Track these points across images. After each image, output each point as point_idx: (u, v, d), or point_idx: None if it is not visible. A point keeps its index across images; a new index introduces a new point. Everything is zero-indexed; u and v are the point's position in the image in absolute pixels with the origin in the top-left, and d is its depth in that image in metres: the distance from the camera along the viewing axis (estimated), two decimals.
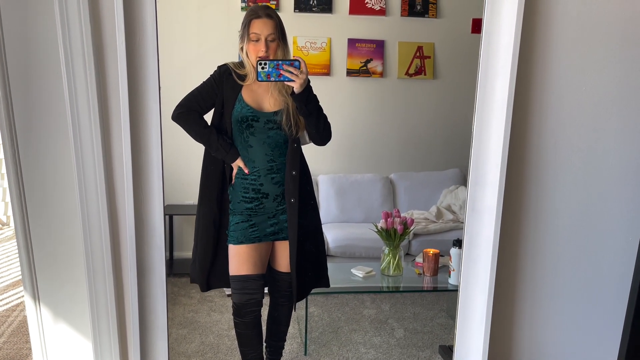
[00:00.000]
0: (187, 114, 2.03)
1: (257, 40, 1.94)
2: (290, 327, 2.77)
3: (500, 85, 0.94)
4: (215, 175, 2.10)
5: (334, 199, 3.92)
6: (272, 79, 1.81)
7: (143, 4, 0.84)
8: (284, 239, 2.12)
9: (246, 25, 1.96)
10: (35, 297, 1.06)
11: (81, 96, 0.94)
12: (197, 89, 2.06)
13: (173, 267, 4.05)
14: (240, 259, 2.06)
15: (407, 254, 3.61)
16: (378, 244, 3.40)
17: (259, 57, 1.89)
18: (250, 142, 2.04)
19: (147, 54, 0.88)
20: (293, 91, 1.88)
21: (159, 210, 0.93)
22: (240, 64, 2.06)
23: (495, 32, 0.93)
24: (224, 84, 2.02)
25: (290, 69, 1.81)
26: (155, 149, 0.93)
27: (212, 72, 2.10)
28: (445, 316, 3.29)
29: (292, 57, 1.93)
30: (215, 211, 2.11)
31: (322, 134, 2.04)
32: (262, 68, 1.79)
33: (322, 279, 2.26)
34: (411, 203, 3.98)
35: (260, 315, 2.17)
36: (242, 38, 1.99)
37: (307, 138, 2.10)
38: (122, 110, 0.96)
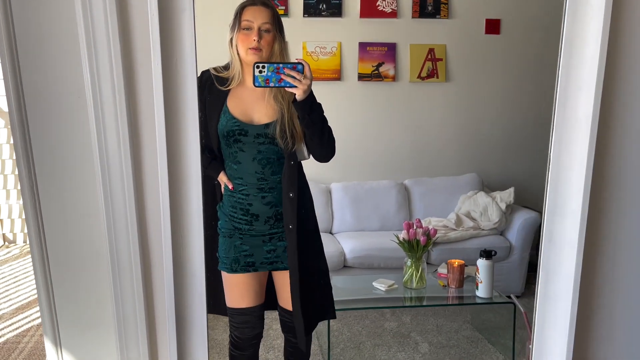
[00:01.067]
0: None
1: (249, 29, 1.69)
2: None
3: (583, 102, 0.82)
4: (206, 189, 1.81)
5: (348, 207, 3.81)
6: (272, 84, 1.57)
7: (181, 20, 0.72)
8: (283, 268, 1.87)
9: (238, 13, 1.73)
10: (57, 343, 0.94)
11: (109, 123, 0.83)
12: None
13: None
14: (238, 291, 1.86)
15: (427, 263, 3.49)
16: (397, 254, 3.29)
17: (256, 61, 1.60)
18: (239, 157, 1.79)
19: (185, 78, 0.75)
20: (295, 98, 1.65)
21: (200, 253, 0.81)
22: (225, 67, 1.81)
23: (578, 43, 0.82)
24: (206, 93, 1.78)
25: (293, 73, 1.57)
26: (195, 184, 0.80)
27: None
28: (471, 328, 3.18)
29: (293, 60, 1.68)
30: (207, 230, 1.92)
31: (325, 148, 1.77)
32: (260, 72, 1.54)
33: (328, 312, 2.01)
34: (427, 210, 3.87)
35: (259, 345, 2.00)
36: (232, 28, 1.74)
37: (305, 152, 1.83)
38: (159, 141, 0.84)
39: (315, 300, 1.91)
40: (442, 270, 3.03)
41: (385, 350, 2.90)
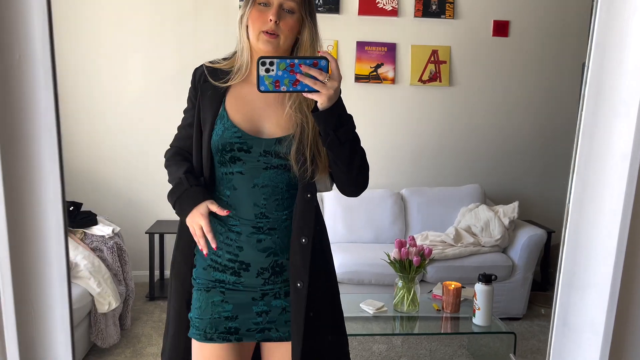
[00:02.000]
0: (168, 160, 1.43)
1: (267, 5, 1.24)
2: None
3: (620, 133, 0.57)
4: (186, 229, 1.36)
5: (340, 218, 3.56)
6: (283, 88, 1.11)
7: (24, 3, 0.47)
8: (278, 339, 1.35)
9: None
10: None
11: None
12: (182, 119, 1.44)
13: (164, 289, 3.72)
14: None
15: (422, 281, 3.25)
16: (390, 271, 3.04)
17: (261, 56, 1.13)
18: (235, 181, 1.30)
19: (34, 82, 0.50)
20: (315, 107, 1.18)
21: (65, 332, 0.54)
22: (226, 59, 1.39)
23: (614, 48, 0.56)
24: (200, 94, 1.35)
25: (313, 71, 1.11)
26: (56, 247, 0.52)
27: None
28: (467, 354, 2.93)
29: (315, 54, 1.24)
30: (187, 288, 1.37)
31: (355, 177, 1.28)
32: (267, 71, 1.10)
33: None
34: (425, 222, 3.62)
35: None
36: (245, 3, 1.29)
37: (328, 183, 1.35)
38: None
39: None
40: (438, 291, 2.79)
41: None
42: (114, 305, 2.79)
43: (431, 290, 2.86)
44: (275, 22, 1.23)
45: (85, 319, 2.74)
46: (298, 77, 1.11)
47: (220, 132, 1.29)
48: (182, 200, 1.31)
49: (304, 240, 1.28)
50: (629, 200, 0.56)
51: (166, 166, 1.42)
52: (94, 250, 2.89)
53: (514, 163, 4.05)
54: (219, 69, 1.35)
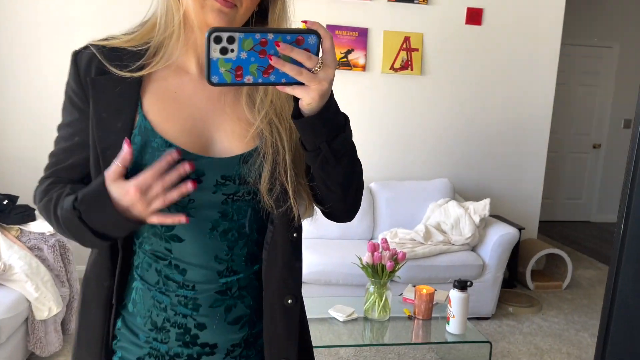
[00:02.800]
0: (43, 200, 0.87)
1: None
2: None
3: None
4: (98, 285, 0.89)
5: None
6: (249, 78, 0.71)
7: None
8: None
9: None
10: None
11: None
12: (59, 135, 0.90)
13: None
14: None
15: (390, 281, 3.10)
16: (358, 271, 2.88)
17: (212, 27, 0.68)
18: (179, 229, 0.86)
19: None
20: (297, 109, 0.77)
21: None
22: (128, 35, 0.88)
23: None
24: (92, 93, 0.84)
25: (297, 53, 0.70)
26: None
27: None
28: (436, 358, 2.81)
29: (296, 27, 0.75)
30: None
31: (351, 202, 0.90)
32: (224, 51, 0.68)
33: None
34: (393, 218, 3.47)
35: None
36: None
37: (311, 208, 0.94)
38: None
39: None
40: (409, 294, 2.64)
41: None
42: (54, 310, 2.50)
43: (401, 293, 2.72)
44: None
45: (22, 326, 2.44)
46: (273, 61, 0.69)
47: (146, 156, 0.82)
48: (95, 224, 0.79)
49: (289, 301, 0.88)
50: None
51: (43, 208, 0.86)
52: (31, 249, 2.59)
53: (483, 157, 3.94)
54: (120, 50, 0.85)
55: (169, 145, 0.81)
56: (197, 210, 0.85)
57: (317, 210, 0.93)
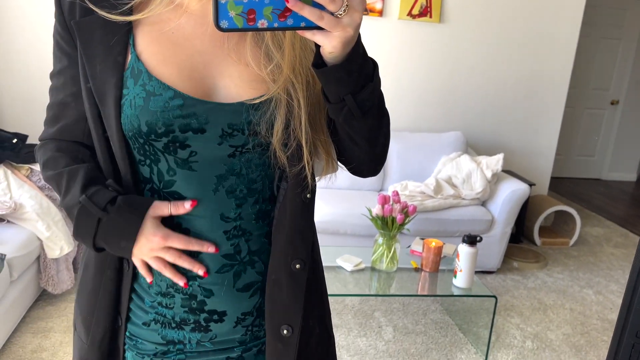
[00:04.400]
0: (47, 166, 0.83)
1: None
2: None
3: None
4: (100, 264, 0.84)
5: None
6: (262, 22, 0.60)
7: None
8: None
9: None
10: None
11: None
12: (52, 86, 0.83)
13: None
14: None
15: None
16: (367, 222, 2.88)
17: None
18: (179, 185, 0.79)
19: None
20: (319, 57, 0.67)
21: None
22: None
23: None
24: (78, 37, 0.76)
25: None
26: None
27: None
28: (440, 309, 2.86)
29: None
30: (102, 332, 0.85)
31: (378, 155, 0.82)
32: None
33: None
34: (404, 170, 3.43)
35: None
36: None
37: (335, 165, 0.86)
38: None
39: None
40: (417, 247, 2.65)
41: (344, 333, 2.55)
42: (66, 250, 2.54)
43: (409, 246, 2.73)
44: None
45: (34, 264, 2.49)
46: (290, 3, 0.60)
47: (141, 102, 0.73)
48: (106, 234, 0.76)
49: (297, 266, 0.81)
50: None
51: (47, 177, 0.83)
52: (41, 189, 2.59)
53: (499, 111, 3.85)
54: None
55: (166, 88, 0.73)
56: (200, 164, 0.77)
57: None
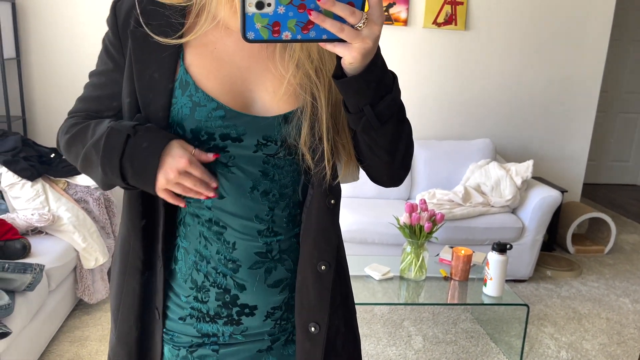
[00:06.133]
0: (70, 132, 0.88)
1: None
2: None
3: None
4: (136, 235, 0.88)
5: None
6: (286, 34, 0.65)
7: None
8: None
9: None
10: None
11: None
12: (90, 82, 0.90)
13: None
14: None
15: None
16: (394, 230, 2.88)
17: None
18: (219, 187, 0.85)
19: None
20: (339, 69, 0.72)
21: None
22: None
23: None
24: (131, 46, 0.82)
25: (339, 8, 0.64)
26: None
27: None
28: (471, 319, 2.82)
29: None
30: (136, 331, 0.91)
31: (400, 165, 0.85)
32: (260, 6, 0.64)
33: None
34: (432, 178, 3.42)
35: None
36: None
37: (355, 171, 0.90)
38: None
39: None
40: (446, 255, 2.63)
41: (374, 342, 2.54)
42: (101, 260, 2.61)
43: (438, 254, 2.71)
44: None
45: (71, 275, 2.57)
46: (312, 16, 0.64)
47: (188, 111, 0.80)
48: (134, 150, 0.78)
49: (323, 267, 0.87)
50: None
51: (68, 142, 0.87)
52: (78, 201, 2.68)
53: (528, 117, 3.81)
54: (165, 6, 0.82)
55: (210, 100, 0.80)
56: (238, 168, 0.83)
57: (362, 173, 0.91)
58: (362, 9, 0.65)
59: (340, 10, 0.63)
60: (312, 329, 0.88)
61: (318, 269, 0.87)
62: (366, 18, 0.65)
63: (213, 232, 0.86)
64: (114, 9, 0.84)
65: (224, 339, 0.89)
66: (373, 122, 0.75)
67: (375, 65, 0.70)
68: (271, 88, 0.83)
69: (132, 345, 0.91)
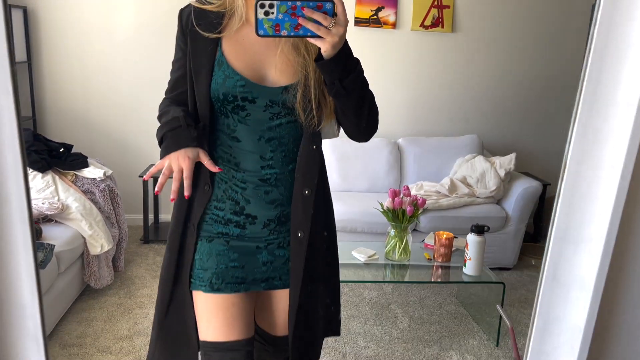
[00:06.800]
0: (162, 110, 1.31)
1: None
2: None
3: (626, 79, 0.53)
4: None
5: (335, 166, 3.53)
6: (284, 32, 1.03)
7: None
8: (282, 286, 1.34)
9: None
10: None
11: None
12: (172, 69, 1.32)
13: (158, 232, 3.73)
14: (222, 317, 1.29)
15: (414, 230, 3.26)
16: (382, 219, 3.04)
17: None
18: (239, 132, 1.24)
19: None
20: (319, 55, 1.09)
21: (30, 276, 0.53)
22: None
23: (622, 2, 0.51)
24: (190, 39, 1.23)
25: (317, 15, 1.02)
26: (15, 187, 0.49)
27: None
28: (455, 302, 2.98)
29: None
30: (179, 233, 1.31)
31: (364, 126, 1.23)
32: (267, 14, 1.01)
33: (332, 328, 1.45)
34: (421, 172, 3.59)
35: None
36: None
37: (335, 129, 1.31)
38: None
39: (319, 323, 1.40)
40: (430, 240, 2.80)
41: (361, 322, 2.70)
42: (106, 247, 2.79)
43: (423, 240, 2.88)
44: None
45: (78, 260, 2.75)
46: (300, 21, 1.01)
47: (221, 81, 1.19)
48: (173, 135, 1.20)
49: (307, 191, 1.24)
50: (631, 154, 0.52)
51: (159, 116, 1.29)
52: (85, 192, 2.87)
53: (513, 114, 3.98)
54: (209, 12, 1.22)
55: (236, 73, 1.19)
56: (251, 121, 1.22)
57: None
58: (332, 16, 1.02)
59: (318, 17, 1.01)
60: (299, 234, 1.26)
61: (303, 193, 1.25)
62: (334, 22, 1.02)
63: (233, 163, 1.26)
64: (180, 15, 1.24)
65: (232, 237, 1.29)
66: (341, 91, 1.12)
67: (343, 52, 1.08)
68: (278, 66, 1.21)
69: (176, 246, 1.31)
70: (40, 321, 0.59)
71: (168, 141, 1.20)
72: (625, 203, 0.57)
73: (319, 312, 1.36)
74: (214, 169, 1.21)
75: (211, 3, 1.22)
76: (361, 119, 1.20)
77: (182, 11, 1.24)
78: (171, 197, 1.19)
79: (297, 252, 1.27)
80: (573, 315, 0.62)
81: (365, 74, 1.16)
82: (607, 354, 0.68)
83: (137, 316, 2.66)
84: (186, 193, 1.19)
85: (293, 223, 1.27)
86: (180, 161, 1.18)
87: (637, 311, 0.64)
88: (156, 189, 1.18)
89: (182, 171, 1.18)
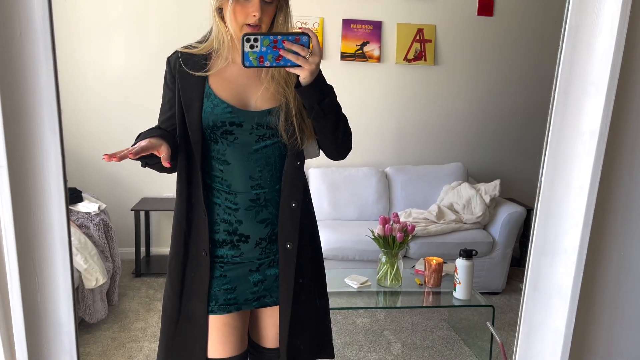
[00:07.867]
0: None
1: None
2: None
3: (589, 112, 0.62)
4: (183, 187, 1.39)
5: (325, 195, 3.61)
6: (267, 63, 1.15)
7: None
8: (273, 304, 1.45)
9: None
10: None
11: None
12: (161, 110, 1.44)
13: (150, 265, 3.75)
14: (212, 336, 1.41)
15: (404, 257, 3.32)
16: (374, 247, 3.10)
17: (245, 32, 1.17)
18: (228, 156, 1.36)
19: (36, 57, 0.51)
20: (298, 82, 1.23)
21: (65, 289, 0.57)
22: (201, 42, 1.38)
23: (585, 31, 0.60)
24: (178, 79, 1.34)
25: (296, 47, 1.15)
26: (57, 215, 0.54)
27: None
28: (447, 327, 3.03)
29: (296, 30, 1.24)
30: (181, 253, 1.42)
31: (340, 144, 1.37)
32: (252, 47, 1.13)
33: (325, 349, 1.55)
34: (408, 200, 3.68)
35: None
36: None
37: (316, 149, 1.44)
38: None
39: (310, 336, 1.49)
40: (420, 266, 2.86)
41: (355, 350, 2.73)
42: (101, 281, 2.81)
43: (414, 266, 2.94)
44: (259, 17, 1.25)
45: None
46: (281, 52, 1.16)
47: (210, 109, 1.32)
48: (144, 133, 1.33)
49: (293, 204, 1.37)
50: (595, 176, 0.61)
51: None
52: (80, 227, 2.90)
53: (496, 142, 4.12)
54: (194, 55, 1.35)
55: (223, 102, 1.32)
56: (239, 144, 1.34)
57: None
58: (308, 47, 1.17)
59: (296, 48, 1.16)
60: (288, 245, 1.37)
61: (290, 206, 1.37)
62: (311, 52, 1.17)
63: (225, 185, 1.37)
64: (168, 61, 1.37)
65: (227, 259, 1.39)
66: (320, 113, 1.27)
67: (319, 80, 1.24)
68: (259, 94, 1.35)
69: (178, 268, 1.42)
70: (75, 338, 0.65)
71: (139, 138, 1.31)
72: (593, 217, 0.65)
73: (310, 323, 1.47)
74: (166, 164, 1.21)
75: (196, 47, 1.36)
76: (337, 137, 1.35)
77: (169, 58, 1.38)
78: (104, 155, 1.12)
79: (286, 263, 1.38)
80: (554, 320, 0.69)
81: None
82: (587, 357, 0.75)
83: (131, 350, 2.67)
84: (166, 164, 1.21)
85: (281, 235, 1.38)
86: (142, 143, 1.21)
87: (613, 312, 0.71)
88: (104, 153, 1.13)
89: (141, 148, 1.20)
